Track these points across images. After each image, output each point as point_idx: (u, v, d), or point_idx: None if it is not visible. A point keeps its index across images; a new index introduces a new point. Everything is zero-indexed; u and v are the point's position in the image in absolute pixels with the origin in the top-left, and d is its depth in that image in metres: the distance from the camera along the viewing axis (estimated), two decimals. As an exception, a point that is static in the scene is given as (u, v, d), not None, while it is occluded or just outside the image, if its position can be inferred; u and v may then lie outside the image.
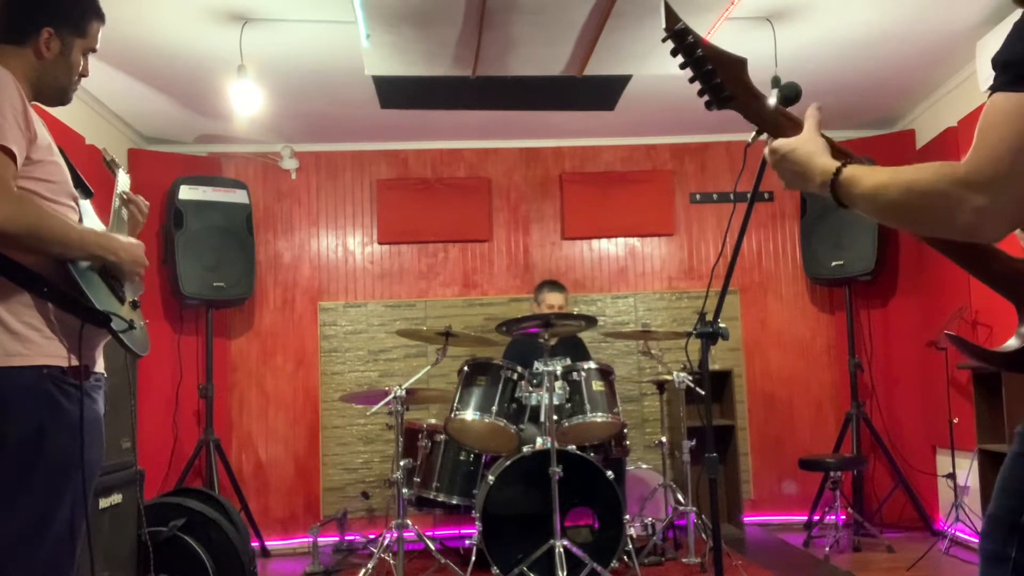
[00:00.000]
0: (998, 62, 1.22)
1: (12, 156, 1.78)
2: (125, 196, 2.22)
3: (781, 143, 1.47)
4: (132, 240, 2.09)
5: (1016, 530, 1.26)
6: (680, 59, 1.53)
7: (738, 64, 1.53)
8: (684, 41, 1.52)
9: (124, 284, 2.06)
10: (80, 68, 2.06)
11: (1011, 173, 1.14)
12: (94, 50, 2.09)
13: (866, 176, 1.32)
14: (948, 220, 1.20)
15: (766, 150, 1.51)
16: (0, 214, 1.73)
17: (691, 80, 1.54)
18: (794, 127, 1.54)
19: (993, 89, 1.20)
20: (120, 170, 2.26)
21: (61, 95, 2.07)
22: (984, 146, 1.17)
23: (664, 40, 1.53)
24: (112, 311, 1.92)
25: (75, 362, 1.87)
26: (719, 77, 1.52)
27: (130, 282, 2.08)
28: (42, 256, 1.84)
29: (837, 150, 1.44)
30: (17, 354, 1.80)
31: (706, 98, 1.54)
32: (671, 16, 1.53)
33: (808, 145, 1.44)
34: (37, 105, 1.99)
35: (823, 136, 1.46)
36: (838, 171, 1.36)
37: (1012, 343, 1.39)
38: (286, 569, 4.84)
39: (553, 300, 5.03)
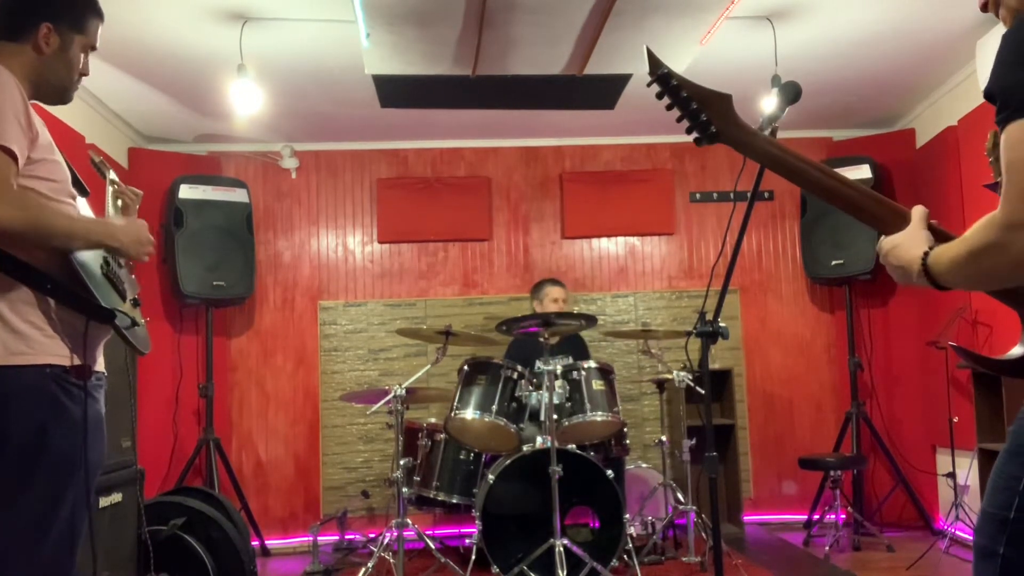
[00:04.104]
0: (994, 93, 1.25)
1: (13, 156, 1.78)
2: (116, 186, 2.22)
3: (883, 242, 1.50)
4: (132, 219, 2.08)
5: (1005, 526, 1.29)
6: (667, 100, 1.58)
7: (723, 100, 1.57)
8: (669, 84, 1.56)
9: (125, 282, 2.06)
10: (80, 66, 2.05)
11: None
12: (94, 48, 2.08)
13: (943, 255, 1.35)
14: (1014, 265, 1.22)
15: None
16: (5, 213, 1.73)
17: (678, 120, 1.59)
18: (778, 151, 1.56)
19: (1002, 123, 1.22)
20: (110, 171, 2.26)
21: (61, 93, 2.06)
22: (1013, 184, 1.19)
23: (649, 84, 1.58)
24: (116, 308, 1.92)
25: (77, 361, 1.87)
26: (705, 115, 1.56)
27: (139, 260, 2.07)
28: (45, 251, 1.84)
29: (939, 234, 1.44)
30: (20, 353, 1.80)
31: (695, 135, 1.58)
32: (654, 62, 1.57)
33: (903, 241, 1.45)
34: (36, 104, 1.99)
35: (931, 227, 1.46)
36: (924, 261, 1.37)
37: (1017, 351, 1.41)
38: (286, 568, 4.84)
39: (556, 294, 5.07)
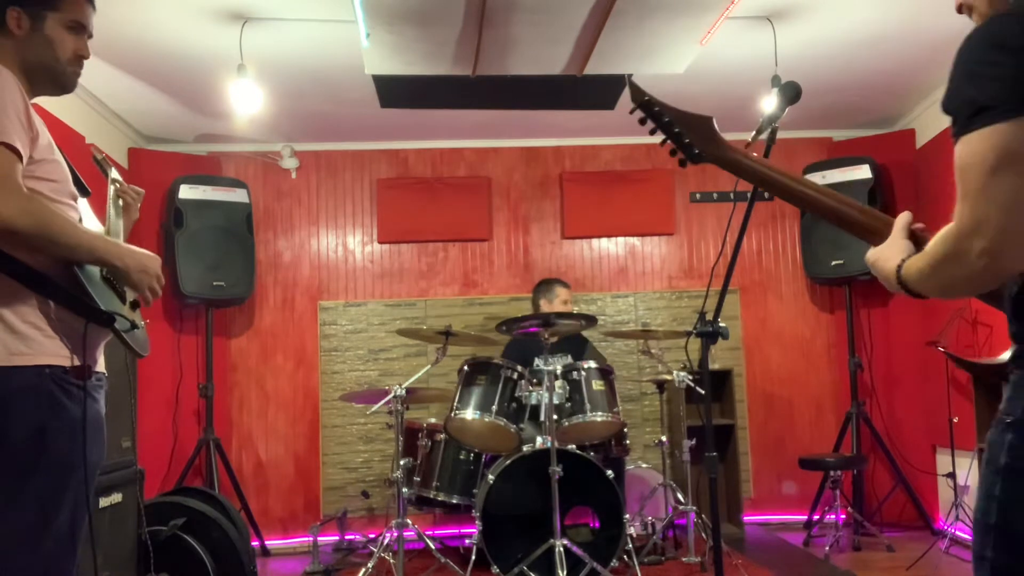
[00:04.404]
0: (948, 110, 1.31)
1: (18, 154, 1.78)
2: (118, 185, 2.21)
3: (868, 255, 1.53)
4: (143, 250, 2.04)
5: (988, 531, 1.33)
6: (650, 125, 1.67)
7: (704, 122, 1.64)
8: (652, 110, 1.65)
9: (124, 284, 2.06)
10: (71, 46, 2.00)
11: (993, 207, 1.21)
12: (82, 25, 2.02)
13: (912, 266, 1.38)
14: (970, 273, 1.25)
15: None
16: (10, 212, 1.73)
17: (662, 143, 1.66)
18: (759, 167, 1.61)
19: (954, 137, 1.28)
20: (112, 169, 2.25)
21: (55, 78, 2.02)
22: (962, 194, 1.25)
23: (632, 112, 1.66)
24: (115, 311, 1.91)
25: (77, 362, 1.87)
26: (687, 137, 1.63)
27: (140, 292, 2.05)
28: (46, 256, 1.84)
29: (923, 243, 1.47)
30: (19, 353, 1.80)
31: (680, 155, 1.66)
32: (636, 91, 1.65)
33: (883, 250, 1.49)
34: (36, 104, 1.98)
35: (915, 234, 1.50)
36: (898, 274, 1.41)
37: (1008, 354, 1.45)
38: (286, 568, 4.84)
39: (566, 295, 5.10)
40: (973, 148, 1.25)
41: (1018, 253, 1.23)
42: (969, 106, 1.26)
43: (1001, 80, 1.23)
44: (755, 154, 1.66)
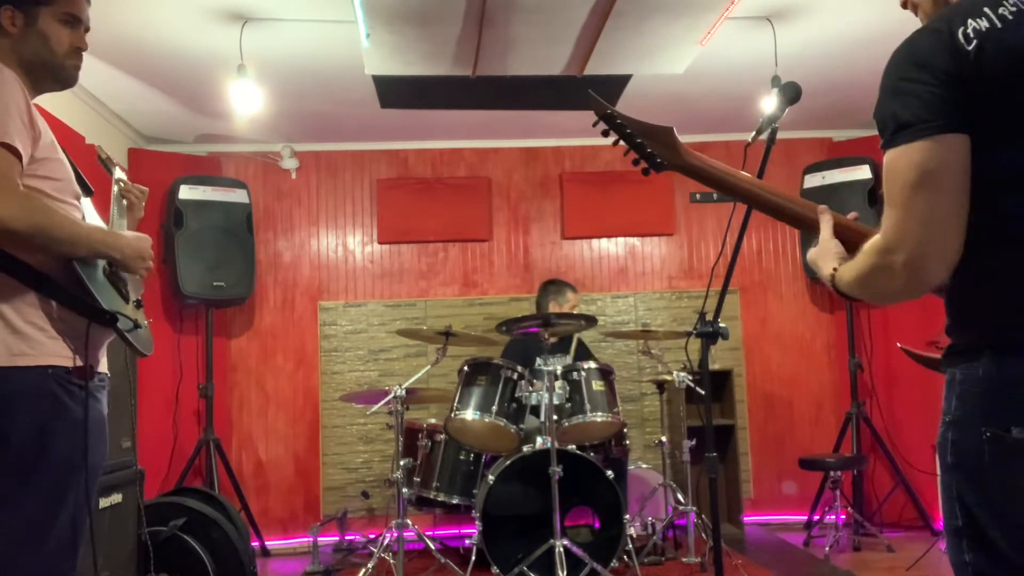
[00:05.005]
0: (876, 121, 1.34)
1: (17, 154, 1.78)
2: (123, 184, 2.21)
3: (808, 256, 1.60)
4: (138, 234, 2.07)
5: (960, 535, 1.35)
6: (613, 137, 1.71)
7: (665, 132, 1.68)
8: (614, 123, 1.70)
9: (128, 283, 2.06)
10: (67, 40, 2.00)
11: (913, 222, 1.26)
12: (76, 18, 2.02)
13: (845, 274, 1.43)
14: (895, 285, 1.31)
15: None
16: (8, 212, 1.73)
17: (625, 153, 1.71)
18: (720, 173, 1.66)
19: (882, 148, 1.32)
20: (116, 168, 2.25)
21: (54, 73, 2.01)
22: (887, 205, 1.30)
23: (595, 125, 1.71)
24: (118, 310, 1.91)
25: (80, 362, 1.87)
26: (650, 147, 1.68)
27: (136, 276, 2.06)
28: (48, 255, 1.84)
29: (856, 235, 1.50)
30: (22, 354, 1.80)
31: (643, 165, 1.70)
32: (598, 104, 1.71)
33: (818, 258, 1.55)
34: (37, 104, 1.98)
35: (850, 228, 1.55)
36: (833, 282, 1.47)
37: None
38: (286, 569, 4.84)
39: (576, 301, 5.10)
40: (896, 164, 1.28)
41: (938, 266, 1.27)
42: (892, 121, 1.29)
43: (921, 98, 1.26)
44: (716, 161, 1.69)
